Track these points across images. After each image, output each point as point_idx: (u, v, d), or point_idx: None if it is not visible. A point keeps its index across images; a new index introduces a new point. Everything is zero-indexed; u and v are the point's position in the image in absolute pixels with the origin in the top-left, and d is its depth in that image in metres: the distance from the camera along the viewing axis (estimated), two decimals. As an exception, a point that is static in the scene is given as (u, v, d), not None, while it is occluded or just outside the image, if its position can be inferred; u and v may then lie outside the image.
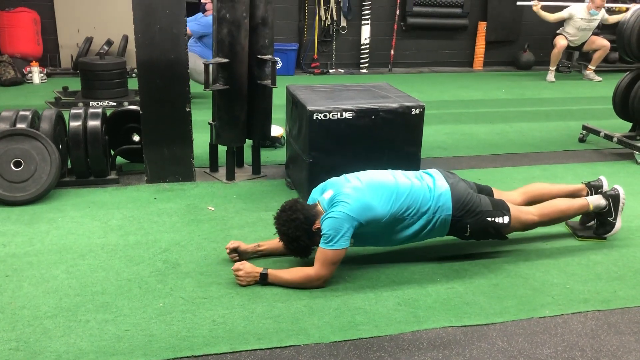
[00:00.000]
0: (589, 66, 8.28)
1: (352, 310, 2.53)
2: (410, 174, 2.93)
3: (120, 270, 2.82)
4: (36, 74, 7.01)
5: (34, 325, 2.37)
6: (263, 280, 2.68)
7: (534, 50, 8.94)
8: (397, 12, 8.45)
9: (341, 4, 8.17)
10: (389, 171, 2.92)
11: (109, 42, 7.33)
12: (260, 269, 2.69)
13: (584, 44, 8.07)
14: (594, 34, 8.04)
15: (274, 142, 4.82)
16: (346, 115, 3.45)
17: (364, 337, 2.35)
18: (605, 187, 3.30)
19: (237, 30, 3.70)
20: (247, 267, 2.69)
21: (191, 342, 2.29)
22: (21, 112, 3.76)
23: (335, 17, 8.22)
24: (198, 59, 5.79)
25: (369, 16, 8.31)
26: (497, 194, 3.09)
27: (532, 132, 5.49)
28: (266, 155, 4.55)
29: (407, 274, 2.85)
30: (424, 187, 2.82)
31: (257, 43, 3.86)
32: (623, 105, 4.96)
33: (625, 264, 3.01)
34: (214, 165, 4.21)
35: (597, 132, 5.04)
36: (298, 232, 2.67)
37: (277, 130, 4.73)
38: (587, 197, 3.19)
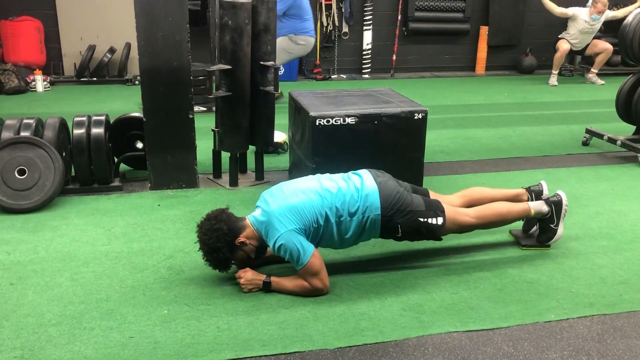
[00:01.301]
0: (592, 69, 8.27)
1: (357, 316, 2.52)
2: (337, 176, 2.89)
3: (124, 278, 2.82)
4: (40, 82, 7.04)
5: (38, 333, 2.37)
6: (266, 288, 2.68)
7: (536, 54, 8.94)
8: (399, 17, 8.47)
9: (343, 10, 8.20)
10: (316, 176, 2.89)
11: (111, 50, 7.38)
12: (263, 277, 2.69)
13: (586, 47, 8.07)
14: (596, 37, 8.05)
15: (276, 148, 4.82)
16: (349, 120, 3.45)
17: (368, 343, 2.34)
18: (546, 193, 3.23)
19: (240, 37, 3.72)
20: (249, 275, 2.69)
21: (196, 348, 2.29)
22: (25, 121, 3.78)
23: (337, 23, 8.23)
24: (284, 40, 5.68)
25: (371, 21, 8.33)
26: (434, 197, 3.01)
27: (535, 136, 5.48)
28: (269, 161, 4.55)
29: (411, 279, 2.85)
30: (351, 188, 2.77)
31: (259, 50, 3.87)
32: (626, 108, 4.96)
33: (630, 267, 2.99)
34: (217, 172, 4.21)
35: (600, 136, 5.03)
36: (219, 243, 2.60)
37: (280, 136, 4.74)
38: (529, 202, 3.13)
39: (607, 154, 4.96)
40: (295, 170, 3.95)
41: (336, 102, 3.73)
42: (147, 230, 3.35)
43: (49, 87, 7.19)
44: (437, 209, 2.85)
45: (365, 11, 8.26)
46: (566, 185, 4.08)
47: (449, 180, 4.25)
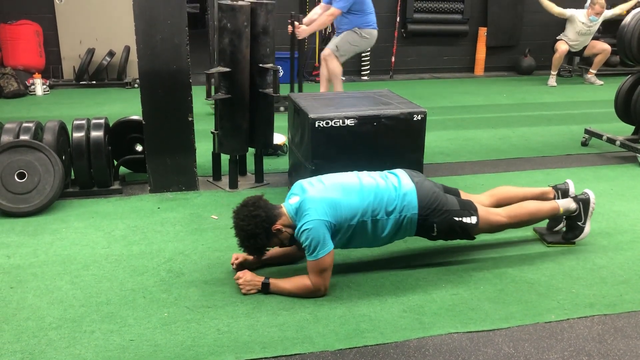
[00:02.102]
0: (590, 70, 8.28)
1: (357, 317, 2.52)
2: (375, 174, 2.92)
3: (124, 281, 2.82)
4: (39, 85, 7.04)
5: (38, 337, 2.36)
6: (265, 289, 2.68)
7: (535, 55, 8.95)
8: (398, 19, 8.47)
9: (342, 12, 8.19)
10: (355, 172, 2.91)
11: (111, 53, 7.38)
12: (261, 278, 2.69)
13: (584, 48, 8.08)
14: (594, 38, 8.06)
15: (276, 150, 4.82)
16: (348, 122, 3.45)
17: (369, 345, 2.34)
18: (572, 191, 3.27)
19: (239, 39, 3.72)
20: (248, 276, 2.70)
21: (196, 351, 2.29)
22: (24, 124, 3.78)
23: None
24: (349, 34, 5.68)
25: (370, 23, 8.33)
26: (465, 197, 3.05)
27: (535, 137, 5.49)
28: (269, 163, 4.56)
29: (411, 280, 2.84)
30: (389, 187, 2.80)
31: (258, 52, 3.88)
32: (625, 108, 4.96)
33: (630, 267, 2.99)
34: (217, 174, 4.21)
35: (599, 136, 5.03)
36: (257, 229, 2.62)
37: (279, 138, 4.74)
38: (557, 200, 3.17)
39: (607, 154, 4.96)
40: (295, 173, 3.95)
41: (335, 103, 3.74)
42: (147, 233, 3.35)
43: (48, 91, 7.19)
44: (470, 208, 2.89)
45: (364, 13, 8.26)
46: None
47: (448, 181, 4.21)
